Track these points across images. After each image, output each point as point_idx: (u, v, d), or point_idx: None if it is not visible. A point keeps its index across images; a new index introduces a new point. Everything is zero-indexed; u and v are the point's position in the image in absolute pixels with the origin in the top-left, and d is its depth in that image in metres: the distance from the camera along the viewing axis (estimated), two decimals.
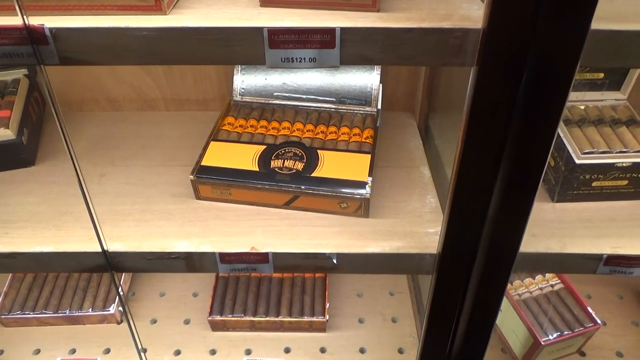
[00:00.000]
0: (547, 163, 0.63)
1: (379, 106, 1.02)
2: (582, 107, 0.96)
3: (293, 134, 0.97)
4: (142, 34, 0.58)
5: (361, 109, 1.02)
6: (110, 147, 1.04)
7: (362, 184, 0.85)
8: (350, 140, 0.95)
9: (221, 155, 0.91)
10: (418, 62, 0.60)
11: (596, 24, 0.53)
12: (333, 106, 1.03)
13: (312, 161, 0.90)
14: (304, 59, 0.60)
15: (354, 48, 0.59)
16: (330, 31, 0.58)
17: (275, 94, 1.04)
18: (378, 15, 0.60)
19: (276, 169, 0.88)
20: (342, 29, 0.58)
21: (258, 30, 0.58)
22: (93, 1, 0.60)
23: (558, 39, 0.53)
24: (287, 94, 1.03)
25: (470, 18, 0.58)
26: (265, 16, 0.61)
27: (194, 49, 0.59)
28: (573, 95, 0.97)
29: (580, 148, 0.87)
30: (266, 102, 1.04)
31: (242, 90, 1.05)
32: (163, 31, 0.59)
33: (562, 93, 0.57)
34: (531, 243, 0.80)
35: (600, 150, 0.87)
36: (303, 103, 1.03)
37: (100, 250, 0.79)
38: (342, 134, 0.97)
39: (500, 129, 0.61)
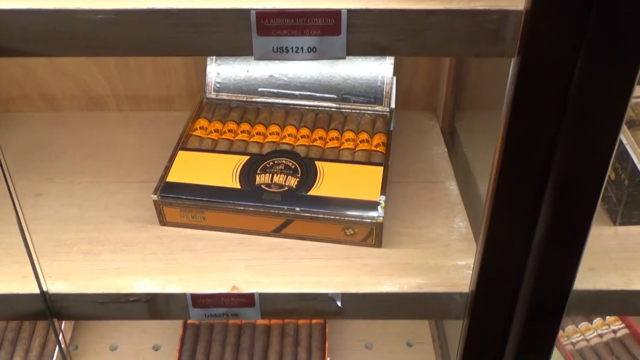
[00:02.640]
0: (606, 177, 0.65)
1: (393, 105, 1.03)
2: None
3: (284, 140, 0.98)
4: (96, 17, 0.59)
5: (370, 108, 1.04)
6: (48, 158, 1.05)
7: (372, 205, 0.86)
8: (357, 149, 0.97)
9: (192, 169, 0.93)
10: (444, 53, 0.62)
11: None
12: (334, 105, 1.05)
13: (308, 176, 0.91)
14: (302, 48, 0.61)
15: (364, 35, 0.60)
16: (335, 14, 0.59)
17: (260, 89, 1.05)
18: None
19: (263, 186, 0.89)
20: (350, 10, 0.59)
21: (243, 12, 0.59)
22: None
23: (618, 21, 0.55)
24: (275, 90, 1.05)
25: None
26: None
27: (162, 37, 0.61)
28: (638, 90, 0.98)
29: None
30: (249, 99, 1.06)
31: (218, 85, 1.06)
32: (123, 14, 0.60)
33: (624, 87, 0.59)
34: (588, 278, 0.81)
35: None
36: (296, 101, 1.05)
37: (37, 291, 0.79)
38: (346, 140, 0.99)
39: (548, 134, 0.62)
